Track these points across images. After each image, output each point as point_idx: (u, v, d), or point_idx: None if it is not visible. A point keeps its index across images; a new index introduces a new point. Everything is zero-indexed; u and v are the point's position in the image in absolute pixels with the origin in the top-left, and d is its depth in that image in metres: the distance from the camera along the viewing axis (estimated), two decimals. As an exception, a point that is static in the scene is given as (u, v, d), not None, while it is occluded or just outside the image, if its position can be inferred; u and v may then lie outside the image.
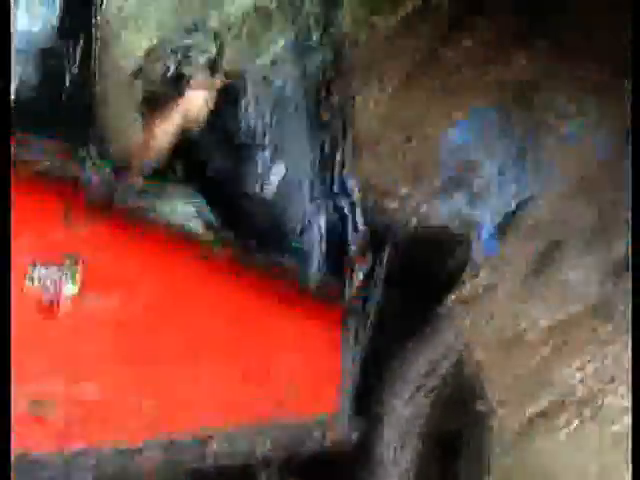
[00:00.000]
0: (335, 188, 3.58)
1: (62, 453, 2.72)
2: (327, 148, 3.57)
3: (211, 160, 3.44)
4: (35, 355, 2.69)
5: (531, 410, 5.97)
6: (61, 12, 2.84)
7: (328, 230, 3.51)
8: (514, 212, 6.76)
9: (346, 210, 3.57)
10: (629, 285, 6.48)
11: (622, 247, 6.83)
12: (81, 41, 2.82)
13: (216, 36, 3.32)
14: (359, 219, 3.59)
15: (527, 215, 6.71)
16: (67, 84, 2.79)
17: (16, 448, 2.49)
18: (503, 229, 6.75)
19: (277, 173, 3.51)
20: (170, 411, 3.06)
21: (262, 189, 3.49)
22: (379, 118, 6.86)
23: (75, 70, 2.80)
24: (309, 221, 3.53)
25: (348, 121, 3.64)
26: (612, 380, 6.38)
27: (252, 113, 3.43)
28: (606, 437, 6.05)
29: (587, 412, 6.27)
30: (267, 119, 3.46)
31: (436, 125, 7.19)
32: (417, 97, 7.20)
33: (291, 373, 3.41)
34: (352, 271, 3.59)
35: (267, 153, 3.45)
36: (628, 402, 6.08)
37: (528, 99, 7.39)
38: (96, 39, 2.84)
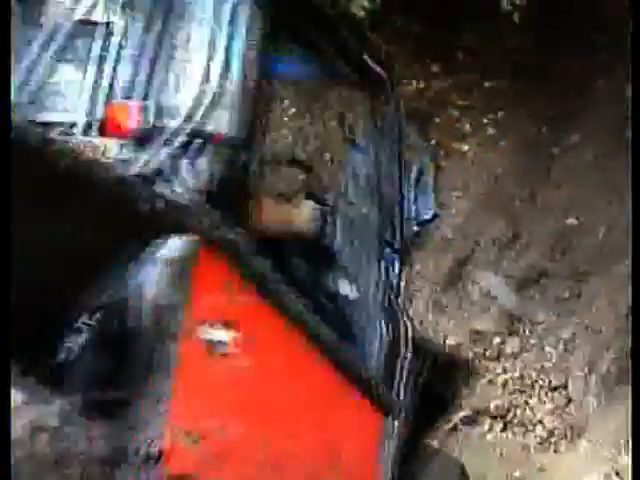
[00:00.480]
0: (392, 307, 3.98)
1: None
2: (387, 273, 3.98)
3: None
4: (195, 395, 3.00)
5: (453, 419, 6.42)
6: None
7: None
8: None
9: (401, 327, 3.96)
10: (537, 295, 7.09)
11: (532, 257, 7.42)
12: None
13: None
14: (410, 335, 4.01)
15: (433, 232, 7.09)
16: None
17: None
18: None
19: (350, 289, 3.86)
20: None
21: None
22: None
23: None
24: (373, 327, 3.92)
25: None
26: (524, 392, 6.96)
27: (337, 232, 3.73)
28: (518, 446, 6.64)
29: (501, 423, 6.82)
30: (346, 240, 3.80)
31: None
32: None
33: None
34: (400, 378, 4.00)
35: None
36: (539, 415, 6.72)
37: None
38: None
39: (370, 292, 3.99)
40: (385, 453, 3.99)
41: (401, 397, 4.05)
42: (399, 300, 4.10)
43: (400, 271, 4.11)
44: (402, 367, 4.06)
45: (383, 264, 4.04)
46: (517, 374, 7.01)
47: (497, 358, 7.12)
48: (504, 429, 6.74)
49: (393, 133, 4.06)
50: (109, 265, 2.90)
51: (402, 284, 4.12)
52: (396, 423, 4.04)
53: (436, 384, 4.33)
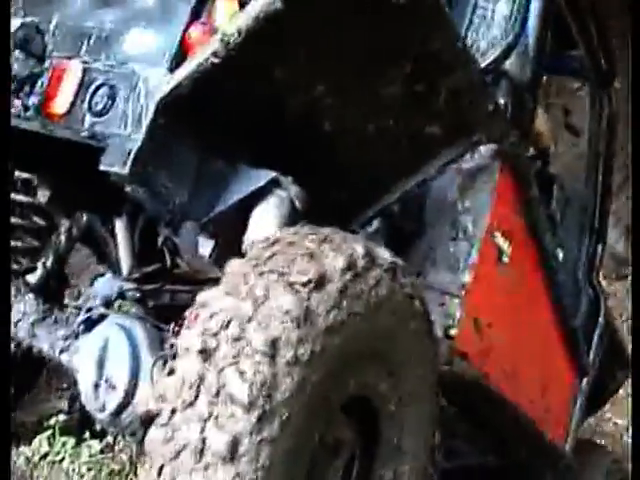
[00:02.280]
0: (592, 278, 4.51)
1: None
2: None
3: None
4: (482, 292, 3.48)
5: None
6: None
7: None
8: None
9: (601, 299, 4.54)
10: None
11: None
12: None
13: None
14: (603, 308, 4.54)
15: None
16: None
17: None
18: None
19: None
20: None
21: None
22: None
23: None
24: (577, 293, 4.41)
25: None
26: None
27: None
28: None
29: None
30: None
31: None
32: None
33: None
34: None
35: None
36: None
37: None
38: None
39: (580, 260, 4.45)
40: (576, 409, 4.40)
41: (593, 363, 4.48)
42: (598, 275, 4.56)
43: (601, 248, 4.58)
44: (597, 336, 4.50)
45: (590, 238, 4.51)
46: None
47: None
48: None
49: (610, 124, 4.58)
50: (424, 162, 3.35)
51: (598, 261, 4.59)
52: (584, 384, 4.45)
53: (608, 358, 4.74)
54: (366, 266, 2.59)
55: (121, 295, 3.56)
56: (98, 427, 3.39)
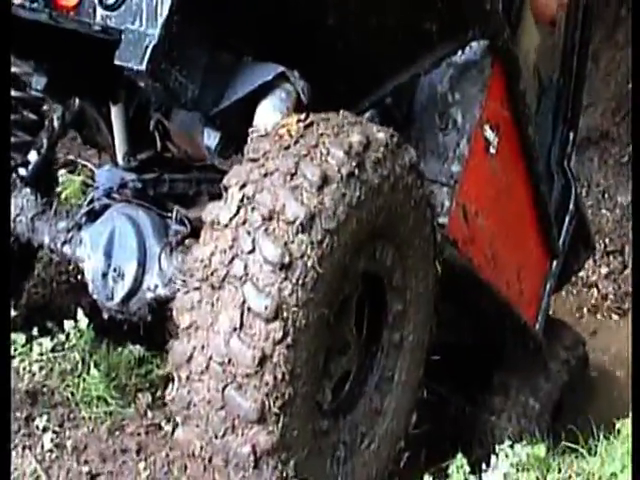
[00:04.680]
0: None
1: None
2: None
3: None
4: (472, 182, 3.73)
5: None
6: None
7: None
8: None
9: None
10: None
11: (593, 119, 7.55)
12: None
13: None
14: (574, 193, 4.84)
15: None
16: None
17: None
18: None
19: None
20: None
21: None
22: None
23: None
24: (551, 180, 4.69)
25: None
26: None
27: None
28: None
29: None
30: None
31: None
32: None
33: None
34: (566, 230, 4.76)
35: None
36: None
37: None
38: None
39: (553, 148, 4.68)
40: (546, 290, 4.70)
41: (563, 246, 4.77)
42: (570, 162, 4.81)
43: (573, 137, 4.81)
44: (568, 220, 4.77)
45: (563, 126, 4.74)
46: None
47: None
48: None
49: (585, 15, 4.75)
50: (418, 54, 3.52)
51: (570, 148, 4.82)
52: (554, 266, 4.73)
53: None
54: (364, 151, 2.81)
55: (122, 185, 3.70)
56: (106, 315, 3.53)
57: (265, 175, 2.71)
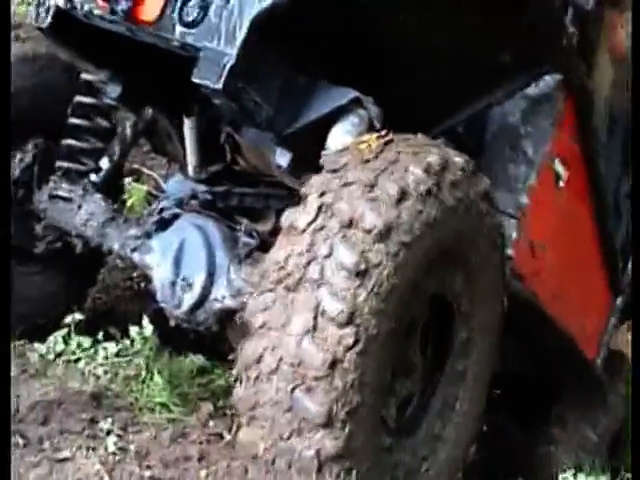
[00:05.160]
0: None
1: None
2: None
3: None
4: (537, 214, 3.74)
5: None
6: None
7: None
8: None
9: None
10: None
11: None
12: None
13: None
14: None
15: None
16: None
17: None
18: None
19: None
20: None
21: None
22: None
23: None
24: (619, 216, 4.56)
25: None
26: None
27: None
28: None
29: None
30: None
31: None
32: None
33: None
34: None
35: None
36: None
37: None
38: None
39: (621, 185, 4.65)
40: (609, 325, 4.68)
41: (629, 282, 4.73)
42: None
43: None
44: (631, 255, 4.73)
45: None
46: None
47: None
48: None
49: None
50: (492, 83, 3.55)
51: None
52: (618, 302, 4.71)
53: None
54: (442, 172, 2.88)
55: (193, 196, 3.77)
56: (172, 323, 3.59)
57: (344, 185, 2.79)
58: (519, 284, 3.66)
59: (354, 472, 2.70)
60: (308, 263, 2.68)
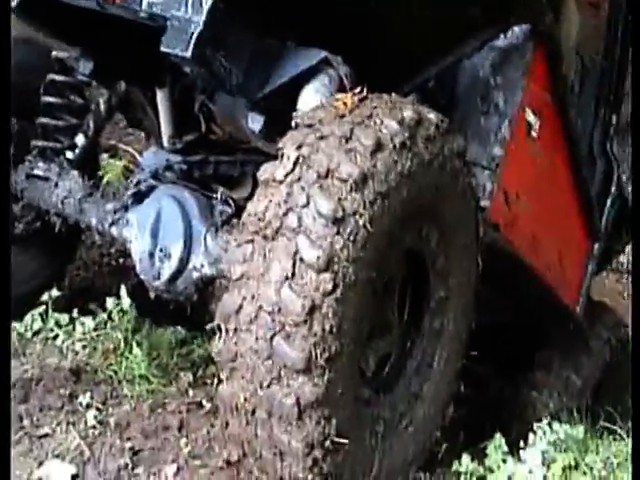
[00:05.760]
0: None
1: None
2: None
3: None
4: (513, 166, 3.80)
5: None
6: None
7: None
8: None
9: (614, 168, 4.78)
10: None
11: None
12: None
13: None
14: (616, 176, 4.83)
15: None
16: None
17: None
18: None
19: None
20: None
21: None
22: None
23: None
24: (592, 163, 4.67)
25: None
26: None
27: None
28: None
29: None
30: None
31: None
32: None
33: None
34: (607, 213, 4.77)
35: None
36: None
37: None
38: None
39: (596, 130, 4.70)
40: (587, 272, 4.74)
41: (605, 228, 4.79)
42: (612, 145, 4.82)
43: (615, 120, 4.83)
44: (610, 203, 4.79)
45: (605, 108, 4.75)
46: None
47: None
48: None
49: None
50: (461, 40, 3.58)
51: (612, 131, 4.84)
52: (596, 248, 4.77)
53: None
54: (416, 126, 2.93)
55: (168, 167, 3.79)
56: (152, 295, 3.62)
57: (321, 138, 2.83)
58: (495, 233, 3.70)
59: (334, 420, 2.74)
60: (286, 213, 2.71)
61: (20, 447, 3.26)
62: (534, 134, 3.85)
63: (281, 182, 2.77)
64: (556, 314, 4.60)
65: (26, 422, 3.39)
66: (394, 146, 2.84)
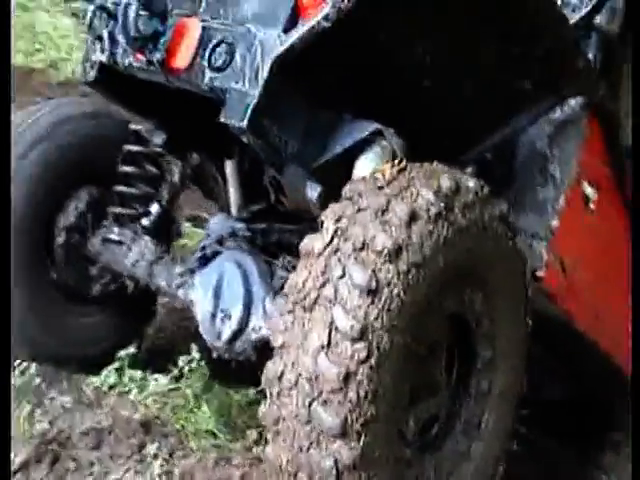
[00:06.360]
0: None
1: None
2: None
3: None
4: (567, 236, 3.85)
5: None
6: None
7: None
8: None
9: None
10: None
11: None
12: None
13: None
14: None
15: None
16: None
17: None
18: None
19: None
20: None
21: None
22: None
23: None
24: None
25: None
26: None
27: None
28: None
29: None
30: None
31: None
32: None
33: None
34: None
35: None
36: None
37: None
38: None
39: None
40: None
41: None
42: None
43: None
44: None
45: None
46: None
47: None
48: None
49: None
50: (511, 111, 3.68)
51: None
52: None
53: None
54: (453, 195, 3.04)
55: (233, 234, 3.96)
56: (215, 355, 3.77)
57: (358, 211, 2.97)
58: (549, 302, 3.75)
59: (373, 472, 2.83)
60: (323, 284, 2.85)
61: (90, 492, 3.42)
62: (592, 206, 3.91)
63: (320, 254, 2.91)
64: (619, 390, 4.58)
65: (97, 468, 3.59)
66: (429, 216, 2.95)
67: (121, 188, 4.27)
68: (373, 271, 2.82)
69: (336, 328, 2.78)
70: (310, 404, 2.79)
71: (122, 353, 4.15)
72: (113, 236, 4.21)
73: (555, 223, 3.77)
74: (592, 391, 4.66)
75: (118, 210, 4.27)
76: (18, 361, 4.01)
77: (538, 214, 3.80)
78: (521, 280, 3.39)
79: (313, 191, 3.53)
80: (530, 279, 3.51)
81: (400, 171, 3.09)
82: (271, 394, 2.88)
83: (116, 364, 4.14)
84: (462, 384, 3.37)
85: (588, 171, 3.87)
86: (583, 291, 3.99)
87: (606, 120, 3.86)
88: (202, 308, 3.71)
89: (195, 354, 4.08)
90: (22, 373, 4.00)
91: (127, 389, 4.06)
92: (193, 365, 4.07)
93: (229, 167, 4.11)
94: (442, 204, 2.99)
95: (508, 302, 3.36)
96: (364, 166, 3.43)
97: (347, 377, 2.75)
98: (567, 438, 4.82)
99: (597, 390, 4.66)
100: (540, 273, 3.71)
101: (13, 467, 3.50)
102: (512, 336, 3.41)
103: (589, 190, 3.87)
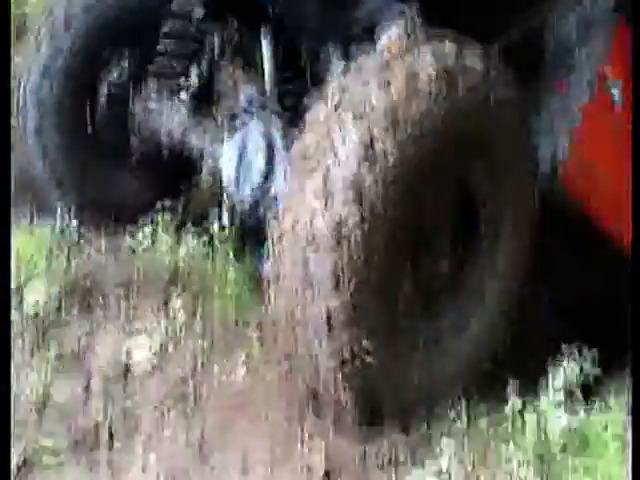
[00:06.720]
0: None
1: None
2: None
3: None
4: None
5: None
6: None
7: None
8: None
9: None
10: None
11: None
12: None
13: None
14: None
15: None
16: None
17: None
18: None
19: None
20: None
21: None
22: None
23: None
24: None
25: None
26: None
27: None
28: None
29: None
30: None
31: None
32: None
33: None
34: None
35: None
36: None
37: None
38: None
39: None
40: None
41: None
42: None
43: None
44: None
45: None
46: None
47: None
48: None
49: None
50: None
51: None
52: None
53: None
54: (457, 58, 3.13)
55: (263, 105, 4.08)
56: (239, 208, 3.97)
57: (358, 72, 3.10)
58: (569, 199, 3.83)
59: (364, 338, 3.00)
60: (324, 149, 2.99)
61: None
62: (617, 104, 3.95)
63: (323, 120, 3.04)
64: None
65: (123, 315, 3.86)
66: (429, 75, 3.03)
67: (162, 59, 4.41)
68: (368, 127, 2.93)
69: (331, 193, 2.92)
70: (306, 260, 2.93)
71: (158, 212, 4.34)
72: (153, 105, 4.36)
73: (578, 120, 3.82)
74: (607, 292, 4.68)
75: (158, 80, 4.40)
76: (59, 213, 4.23)
77: (563, 110, 3.86)
78: (526, 156, 3.44)
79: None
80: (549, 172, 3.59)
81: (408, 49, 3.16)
82: (274, 252, 3.04)
83: (150, 226, 4.32)
84: (466, 257, 3.46)
85: (615, 70, 3.90)
86: (603, 188, 4.04)
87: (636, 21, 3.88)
88: (228, 164, 3.87)
89: (226, 221, 4.22)
90: (62, 231, 4.22)
91: (159, 251, 4.24)
92: (226, 232, 4.21)
93: (264, 42, 4.21)
94: (442, 65, 3.07)
95: (515, 179, 3.42)
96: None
97: (340, 238, 2.89)
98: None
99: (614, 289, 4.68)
100: (560, 168, 3.77)
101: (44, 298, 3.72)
102: (519, 215, 3.47)
103: (615, 88, 3.91)
